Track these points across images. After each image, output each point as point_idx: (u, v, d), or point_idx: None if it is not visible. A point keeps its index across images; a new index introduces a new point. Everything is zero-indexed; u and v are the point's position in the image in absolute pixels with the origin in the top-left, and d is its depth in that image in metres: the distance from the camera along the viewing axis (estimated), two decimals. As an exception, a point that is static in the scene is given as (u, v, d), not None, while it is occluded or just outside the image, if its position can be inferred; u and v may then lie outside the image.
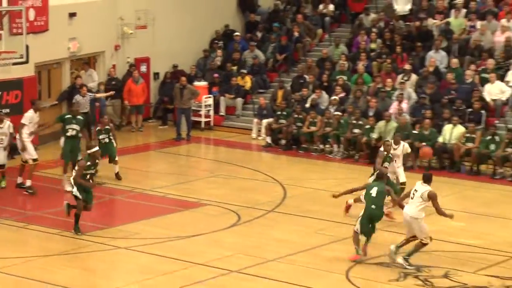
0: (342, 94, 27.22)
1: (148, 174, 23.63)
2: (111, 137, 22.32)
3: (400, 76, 27.24)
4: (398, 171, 20.24)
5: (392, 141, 20.40)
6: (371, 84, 27.42)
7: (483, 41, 27.69)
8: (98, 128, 22.53)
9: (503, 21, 27.88)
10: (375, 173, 18.35)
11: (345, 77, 27.96)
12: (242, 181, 22.85)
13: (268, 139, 27.06)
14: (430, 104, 25.73)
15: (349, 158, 25.30)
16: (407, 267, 16.18)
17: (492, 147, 23.66)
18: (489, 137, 23.84)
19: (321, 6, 32.13)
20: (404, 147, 20.43)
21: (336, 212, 19.76)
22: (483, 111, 25.31)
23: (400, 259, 16.26)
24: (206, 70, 30.41)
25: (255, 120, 27.98)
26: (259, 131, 27.81)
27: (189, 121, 27.91)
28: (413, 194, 16.35)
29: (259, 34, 31.75)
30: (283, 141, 26.73)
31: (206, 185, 22.52)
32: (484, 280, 15.68)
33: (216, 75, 29.94)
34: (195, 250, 17.32)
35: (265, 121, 27.43)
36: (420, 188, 16.33)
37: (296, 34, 30.97)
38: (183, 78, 28.20)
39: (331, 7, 32.02)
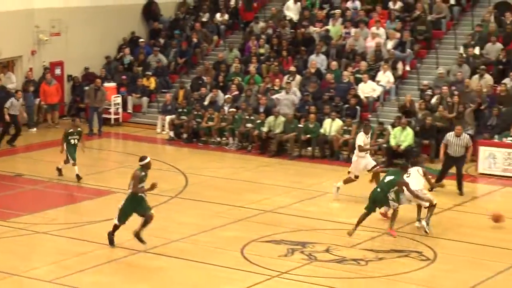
0: (236, 93, 27.29)
1: (64, 165, 23.22)
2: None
3: (286, 77, 27.44)
4: (368, 158, 19.88)
5: (362, 130, 20.03)
6: (261, 84, 27.54)
7: (357, 46, 28.08)
8: (70, 130, 21.53)
9: (373, 29, 28.32)
10: (401, 165, 17.64)
11: (239, 78, 28.04)
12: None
13: (171, 133, 26.93)
14: (313, 101, 26.00)
15: (243, 149, 25.35)
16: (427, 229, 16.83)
17: (366, 138, 24.05)
18: (363, 129, 24.22)
19: (217, 16, 32.12)
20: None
21: (232, 197, 19.83)
22: (358, 107, 25.69)
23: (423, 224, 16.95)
24: (115, 72, 30.10)
25: (160, 116, 27.82)
26: (163, 126, 27.66)
27: (101, 118, 27.58)
28: (408, 174, 17.01)
29: (162, 40, 31.55)
30: (184, 135, 26.64)
31: (116, 175, 22.24)
32: (360, 253, 15.90)
33: (124, 77, 29.67)
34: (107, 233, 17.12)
35: (168, 117, 27.29)
36: (413, 169, 17.25)
37: (195, 40, 30.89)
38: (98, 80, 27.97)
39: (226, 16, 32.06)
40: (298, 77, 27.39)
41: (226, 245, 16.25)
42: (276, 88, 26.86)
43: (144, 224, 15.89)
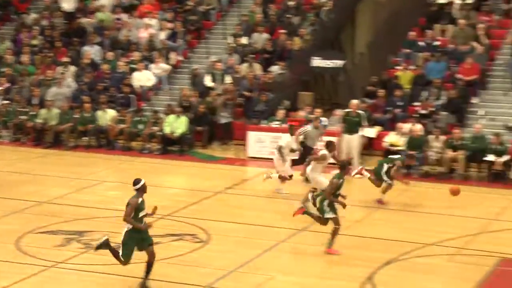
0: (8, 85, 26.51)
1: None
2: None
3: (60, 68, 26.95)
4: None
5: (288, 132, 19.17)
6: (34, 76, 26.88)
7: (131, 36, 28.08)
8: None
9: (146, 20, 28.41)
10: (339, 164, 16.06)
11: (12, 69, 27.21)
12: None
13: None
14: (88, 91, 25.73)
15: (17, 141, 24.75)
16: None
17: (141, 126, 24.13)
18: (138, 118, 24.29)
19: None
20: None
21: (6, 189, 19.23)
22: (133, 96, 25.69)
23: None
24: None
25: None
26: None
27: None
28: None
29: None
30: (-45, 129, 25.56)
31: None
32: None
33: None
34: None
35: None
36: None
37: (-37, 31, 29.63)
38: None
39: (-5, 7, 30.98)
40: (72, 68, 26.97)
41: (1, 239, 15.75)
42: (49, 79, 26.32)
43: (148, 268, 12.95)
